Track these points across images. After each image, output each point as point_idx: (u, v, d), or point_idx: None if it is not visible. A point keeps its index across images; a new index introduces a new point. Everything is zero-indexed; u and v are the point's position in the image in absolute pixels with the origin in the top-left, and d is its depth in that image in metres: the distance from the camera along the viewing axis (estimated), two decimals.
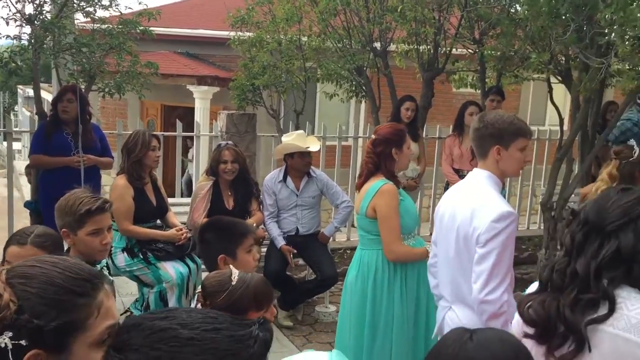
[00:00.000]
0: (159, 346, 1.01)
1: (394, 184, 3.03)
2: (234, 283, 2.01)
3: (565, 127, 5.50)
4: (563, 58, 4.87)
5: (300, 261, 4.83)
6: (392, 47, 6.44)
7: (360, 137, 6.39)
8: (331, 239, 5.19)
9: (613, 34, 3.58)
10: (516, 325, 1.67)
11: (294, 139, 4.51)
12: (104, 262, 2.75)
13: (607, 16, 3.57)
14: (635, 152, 3.24)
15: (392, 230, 2.96)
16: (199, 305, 2.11)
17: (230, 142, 5.05)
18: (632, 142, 3.49)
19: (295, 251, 4.60)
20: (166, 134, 6.35)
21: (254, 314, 2.00)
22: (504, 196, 2.90)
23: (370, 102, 6.19)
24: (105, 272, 2.74)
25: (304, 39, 6.06)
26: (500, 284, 2.28)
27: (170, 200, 4.62)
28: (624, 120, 5.08)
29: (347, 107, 11.04)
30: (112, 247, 4.07)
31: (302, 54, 5.88)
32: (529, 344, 1.52)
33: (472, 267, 2.37)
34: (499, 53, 5.03)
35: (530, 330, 1.51)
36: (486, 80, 6.33)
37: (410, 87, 7.37)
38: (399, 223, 2.98)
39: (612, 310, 1.40)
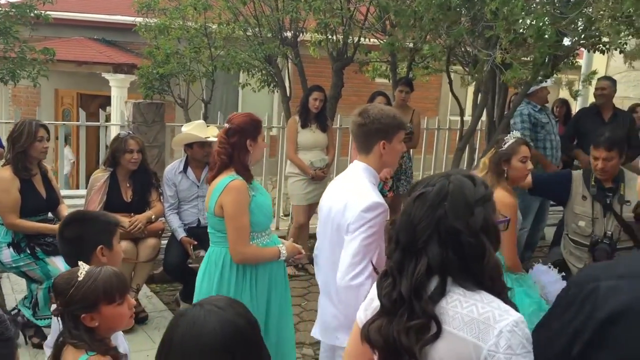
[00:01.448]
0: None
1: (246, 178, 2.84)
2: (80, 278, 1.97)
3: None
4: (464, 50, 5.01)
5: (202, 252, 4.76)
6: (307, 36, 6.43)
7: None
8: None
9: (497, 27, 3.68)
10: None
11: (192, 129, 4.43)
12: None
13: (492, 9, 3.68)
14: (504, 144, 3.32)
15: (238, 230, 2.77)
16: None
17: (130, 131, 4.93)
18: (516, 133, 3.58)
19: (196, 243, 4.53)
20: (68, 123, 6.09)
21: (107, 307, 1.96)
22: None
23: (281, 91, 6.16)
24: None
25: (214, 26, 5.95)
26: (362, 271, 2.29)
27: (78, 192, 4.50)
28: (517, 115, 5.27)
29: (271, 97, 11.00)
30: None
31: (210, 42, 5.76)
32: None
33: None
34: (399, 44, 5.10)
35: (376, 353, 1.49)
36: (398, 71, 6.43)
37: (328, 77, 7.40)
38: (248, 221, 2.80)
39: (439, 330, 1.38)
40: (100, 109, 5.77)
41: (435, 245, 1.41)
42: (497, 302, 1.40)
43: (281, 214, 7.66)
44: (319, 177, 5.65)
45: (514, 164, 3.32)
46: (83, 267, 2.02)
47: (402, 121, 2.55)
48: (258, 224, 2.88)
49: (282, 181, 6.41)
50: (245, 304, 2.78)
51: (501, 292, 1.44)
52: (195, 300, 2.93)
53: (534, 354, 1.36)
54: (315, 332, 2.74)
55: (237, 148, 2.84)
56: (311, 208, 5.92)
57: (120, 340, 2.26)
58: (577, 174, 3.83)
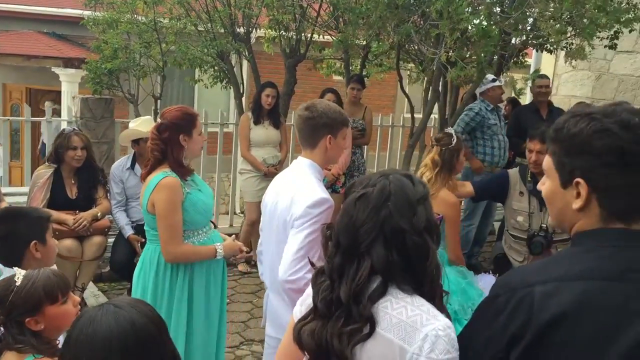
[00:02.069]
0: None
1: (181, 174, 2.75)
2: (18, 283, 1.93)
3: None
4: (416, 48, 5.07)
5: None
6: (262, 33, 6.40)
7: None
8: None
9: (442, 26, 3.73)
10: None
11: (139, 125, 4.36)
12: None
13: (437, 9, 3.74)
14: (453, 140, 3.40)
15: (169, 228, 2.68)
16: None
17: (75, 128, 4.83)
18: (451, 130, 3.66)
19: (143, 240, 4.43)
20: (13, 119, 5.92)
21: (50, 307, 1.93)
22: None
23: (234, 88, 6.11)
24: None
25: (165, 21, 5.86)
26: (304, 266, 2.27)
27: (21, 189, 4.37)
28: (467, 110, 5.37)
29: (228, 94, 10.89)
30: None
31: (160, 37, 5.67)
32: None
33: None
34: (349, 42, 5.13)
35: (307, 356, 1.47)
36: (352, 68, 6.46)
37: (284, 74, 7.38)
38: (180, 220, 2.71)
39: (372, 329, 1.37)
40: (46, 104, 5.61)
41: (381, 247, 1.39)
42: (427, 306, 1.39)
43: (238, 211, 7.62)
44: (272, 174, 5.61)
45: (460, 158, 3.43)
46: (19, 272, 1.98)
47: (347, 118, 2.56)
48: (193, 222, 2.81)
49: (237, 178, 6.38)
50: (181, 302, 2.80)
51: (436, 295, 1.43)
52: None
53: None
54: (268, 329, 2.73)
55: (170, 144, 2.73)
56: None
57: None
58: (513, 172, 3.93)
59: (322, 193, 2.38)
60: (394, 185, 1.43)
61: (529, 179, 3.74)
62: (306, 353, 1.48)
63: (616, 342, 1.16)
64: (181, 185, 2.75)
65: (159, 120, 2.82)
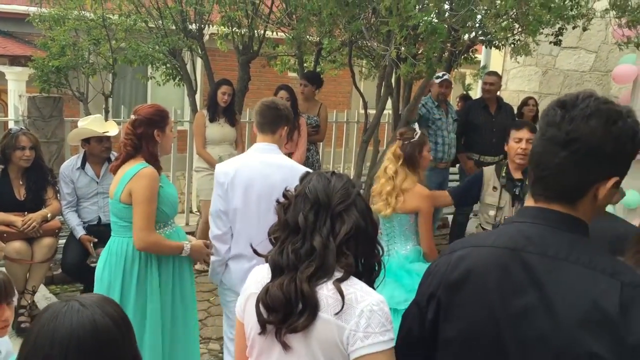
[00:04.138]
0: None
1: (156, 168, 2.86)
2: None
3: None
4: (369, 45, 5.12)
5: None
6: (214, 29, 6.35)
7: None
8: None
9: (391, 23, 3.79)
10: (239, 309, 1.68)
11: (89, 124, 4.28)
12: None
13: (386, 6, 3.79)
14: (416, 134, 3.49)
15: (145, 216, 2.77)
16: None
17: (23, 127, 4.71)
18: (415, 125, 3.75)
19: (96, 240, 4.38)
20: None
21: None
22: None
23: (186, 85, 6.06)
24: None
25: (114, 17, 5.76)
26: None
27: None
28: (421, 105, 5.47)
29: (182, 91, 10.76)
30: None
31: (109, 34, 5.57)
32: (253, 328, 1.54)
33: None
34: (302, 38, 5.15)
35: (272, 317, 1.50)
36: (306, 65, 6.49)
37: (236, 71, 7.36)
38: (155, 209, 2.82)
39: (348, 273, 1.47)
40: None
41: (355, 212, 1.54)
42: (360, 284, 1.47)
43: (194, 209, 7.55)
44: None
45: (424, 153, 3.53)
46: None
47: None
48: (163, 215, 2.89)
49: (192, 176, 6.33)
50: (151, 295, 2.81)
51: (372, 268, 1.55)
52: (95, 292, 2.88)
53: (405, 323, 1.45)
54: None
55: (145, 138, 2.84)
56: None
57: (2, 343, 2.18)
58: (488, 169, 3.96)
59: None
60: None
61: (503, 174, 3.80)
62: (258, 327, 1.52)
63: (507, 307, 1.25)
64: (158, 177, 2.85)
65: (132, 116, 2.88)
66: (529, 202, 1.36)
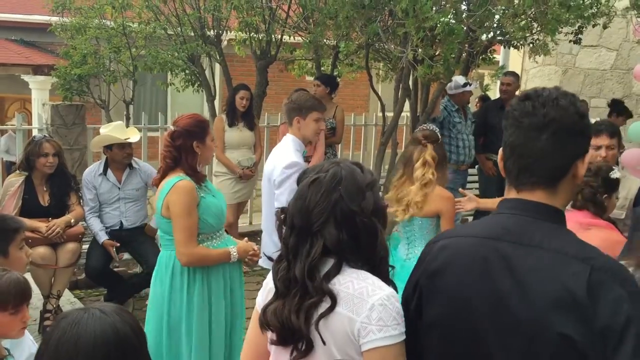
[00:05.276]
0: None
1: (195, 179, 2.80)
2: None
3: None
4: (386, 47, 5.13)
5: (126, 255, 4.69)
6: (232, 35, 6.41)
7: None
8: None
9: (408, 25, 3.80)
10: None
11: (111, 130, 4.35)
12: None
13: (402, 8, 3.80)
14: (439, 134, 3.47)
15: (184, 230, 2.70)
16: None
17: (46, 134, 4.80)
18: (430, 125, 3.72)
19: (118, 244, 4.45)
20: None
21: None
22: None
23: (205, 91, 6.12)
24: None
25: (134, 26, 5.85)
26: None
27: None
28: (442, 107, 5.45)
29: (202, 97, 10.87)
30: None
31: (129, 42, 5.66)
32: (274, 349, 1.55)
33: None
34: (318, 42, 5.17)
35: (274, 337, 1.51)
36: (323, 68, 6.51)
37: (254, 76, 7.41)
38: (195, 222, 2.74)
39: (334, 303, 1.43)
40: (15, 112, 5.55)
41: (332, 227, 1.47)
42: (372, 279, 1.48)
43: None
44: (247, 176, 5.66)
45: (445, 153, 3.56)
46: None
47: (315, 104, 3.31)
48: (207, 226, 2.82)
49: (212, 181, 6.38)
50: (197, 307, 2.81)
51: (382, 273, 1.52)
52: (149, 307, 2.91)
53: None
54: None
55: (184, 150, 2.78)
56: (239, 207, 5.92)
57: (26, 342, 2.21)
58: None
59: (295, 157, 3.15)
60: (344, 172, 1.52)
61: None
62: (271, 337, 1.53)
63: (484, 294, 1.29)
64: (196, 189, 2.79)
65: (171, 127, 2.85)
66: (509, 193, 1.40)
